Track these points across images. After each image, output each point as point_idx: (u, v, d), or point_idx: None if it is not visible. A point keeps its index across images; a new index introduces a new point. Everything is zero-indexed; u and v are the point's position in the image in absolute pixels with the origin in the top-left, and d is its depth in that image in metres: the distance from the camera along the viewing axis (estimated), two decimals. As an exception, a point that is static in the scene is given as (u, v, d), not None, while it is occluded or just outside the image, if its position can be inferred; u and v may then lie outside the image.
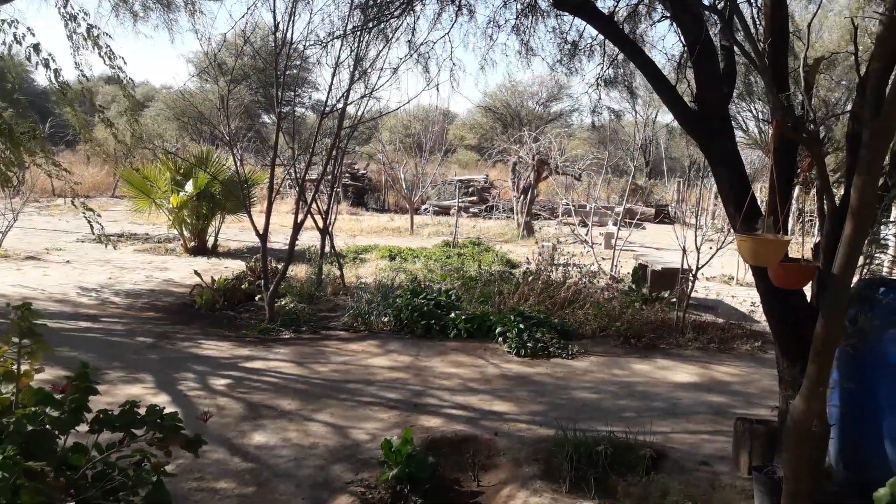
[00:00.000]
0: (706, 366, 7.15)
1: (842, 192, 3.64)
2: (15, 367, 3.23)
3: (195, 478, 4.13)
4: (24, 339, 3.30)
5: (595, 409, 5.65)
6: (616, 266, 11.44)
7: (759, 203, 4.21)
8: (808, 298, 3.96)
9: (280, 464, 4.39)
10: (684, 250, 8.96)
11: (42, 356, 3.42)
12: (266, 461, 4.42)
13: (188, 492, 3.98)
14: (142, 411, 3.31)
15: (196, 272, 8.87)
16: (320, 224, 9.88)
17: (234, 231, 14.41)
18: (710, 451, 4.83)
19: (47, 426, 2.90)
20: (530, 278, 9.48)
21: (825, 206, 3.55)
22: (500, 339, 7.58)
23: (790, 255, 3.79)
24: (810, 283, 3.65)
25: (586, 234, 12.88)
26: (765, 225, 3.47)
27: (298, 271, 10.33)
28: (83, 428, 3.26)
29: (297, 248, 8.70)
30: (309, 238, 12.22)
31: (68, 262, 11.08)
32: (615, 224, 16.02)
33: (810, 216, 15.81)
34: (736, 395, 6.16)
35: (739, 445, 4.42)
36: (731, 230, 5.62)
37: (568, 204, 17.22)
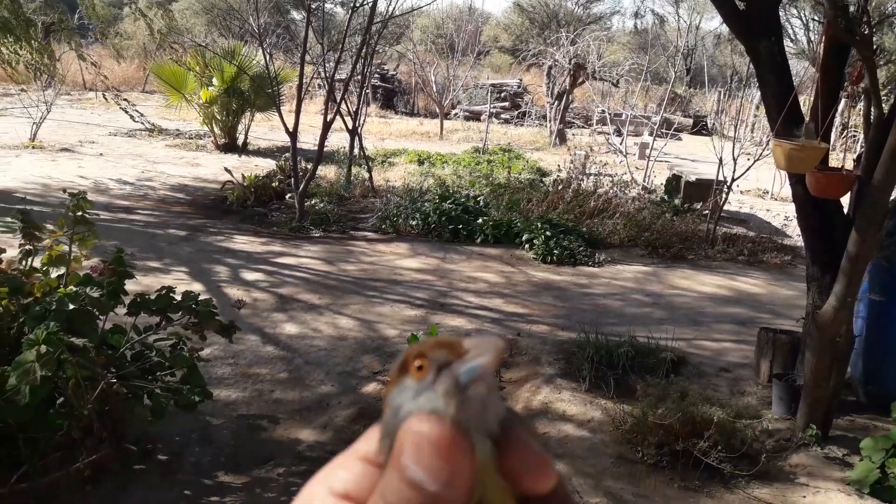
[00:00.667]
0: (734, 278, 7.13)
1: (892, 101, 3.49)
2: (67, 250, 3.35)
3: (229, 363, 4.31)
4: (77, 226, 3.40)
5: (618, 315, 5.71)
6: (649, 177, 11.24)
7: (802, 112, 4.06)
8: (845, 210, 3.87)
9: (311, 353, 4.56)
10: (720, 161, 8.75)
11: (92, 243, 3.53)
12: (297, 350, 4.58)
13: (222, 376, 4.16)
14: (177, 298, 3.44)
15: (227, 169, 8.93)
16: (349, 125, 9.79)
17: (263, 130, 14.36)
18: (732, 359, 4.88)
19: (88, 307, 3.01)
20: (560, 187, 9.38)
21: (872, 114, 3.40)
22: (527, 245, 7.60)
23: (830, 165, 3.68)
24: (848, 194, 3.56)
25: (620, 144, 12.60)
26: (805, 131, 3.35)
27: (328, 172, 10.34)
28: (121, 312, 3.40)
29: (325, 149, 8.67)
30: (338, 139, 12.15)
31: (101, 154, 11.21)
32: (651, 134, 15.61)
33: (854, 131, 15.24)
34: (762, 308, 6.17)
35: (761, 354, 4.46)
36: (770, 141, 5.45)
37: (603, 112, 16.77)
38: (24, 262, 3.35)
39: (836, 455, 3.62)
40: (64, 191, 3.46)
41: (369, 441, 0.33)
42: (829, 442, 3.71)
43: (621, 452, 3.58)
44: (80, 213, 3.42)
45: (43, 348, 2.48)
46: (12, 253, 3.45)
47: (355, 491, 0.32)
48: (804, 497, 3.30)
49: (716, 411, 3.46)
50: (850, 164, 4.08)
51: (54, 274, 3.29)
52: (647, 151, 12.29)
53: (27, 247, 3.40)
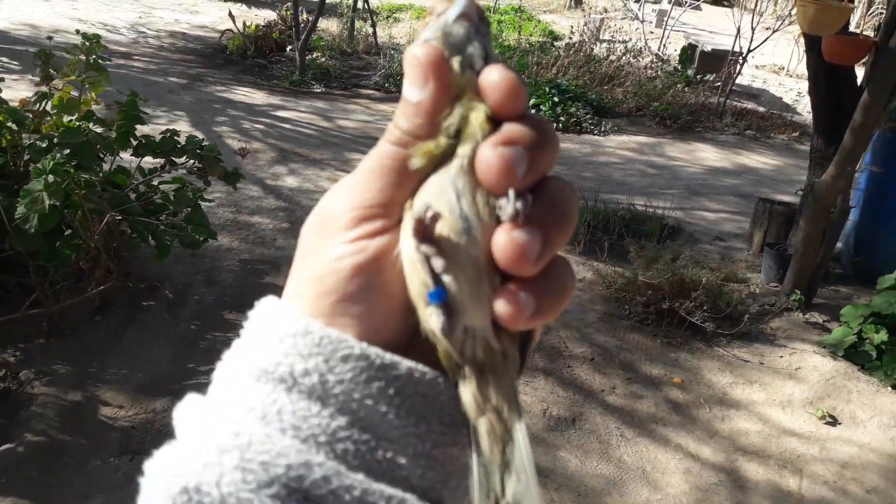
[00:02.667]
0: (739, 152, 7.07)
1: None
2: (77, 94, 3.30)
3: (232, 211, 4.37)
4: (89, 70, 3.33)
5: (619, 183, 5.72)
6: (664, 45, 10.84)
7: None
8: (859, 82, 3.78)
9: (312, 206, 4.54)
10: (738, 30, 8.40)
11: (103, 88, 3.47)
12: (299, 202, 4.63)
13: (225, 222, 4.23)
14: (181, 142, 3.43)
15: (230, 14, 8.58)
16: (355, -26, 9.30)
17: (264, -22, 13.68)
18: (727, 229, 4.95)
19: (91, 141, 3.01)
20: (572, 51, 9.06)
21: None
22: (534, 110, 7.46)
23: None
24: (864, 61, 3.46)
25: (639, 10, 12.03)
26: (833, -10, 3.21)
27: (330, 25, 9.95)
28: (126, 156, 3.40)
29: (328, 0, 8.29)
30: (343, -9, 11.57)
31: (96, -3, 10.73)
32: (670, 2, 14.87)
33: (881, 10, 14.51)
34: (763, 182, 6.17)
35: (756, 224, 4.51)
36: (790, 16, 5.21)
37: (622, -26, 15.86)
38: (38, 105, 3.31)
39: (816, 321, 3.76)
40: (77, 32, 3.36)
41: None
42: (812, 309, 3.85)
43: (609, 310, 3.72)
44: (93, 58, 3.34)
45: (50, 178, 2.51)
46: (9, 94, 3.40)
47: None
48: (781, 357, 3.47)
49: (705, 274, 3.56)
50: (870, 34, 3.93)
51: (66, 119, 3.26)
52: (665, 19, 11.77)
53: (43, 89, 3.35)
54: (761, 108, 8.69)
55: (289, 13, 8.56)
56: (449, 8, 0.35)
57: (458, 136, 0.34)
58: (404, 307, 0.35)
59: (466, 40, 0.35)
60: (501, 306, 0.33)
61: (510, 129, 0.33)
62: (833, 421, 3.08)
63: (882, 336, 3.33)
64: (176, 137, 3.39)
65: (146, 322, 3.23)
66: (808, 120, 7.66)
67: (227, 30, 8.45)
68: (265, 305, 0.37)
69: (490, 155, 0.32)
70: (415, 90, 0.34)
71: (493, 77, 0.33)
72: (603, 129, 7.26)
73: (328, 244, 0.35)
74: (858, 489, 2.72)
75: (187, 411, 0.35)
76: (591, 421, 2.91)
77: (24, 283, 3.00)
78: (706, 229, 4.88)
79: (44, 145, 2.93)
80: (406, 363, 0.34)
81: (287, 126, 6.19)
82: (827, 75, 3.73)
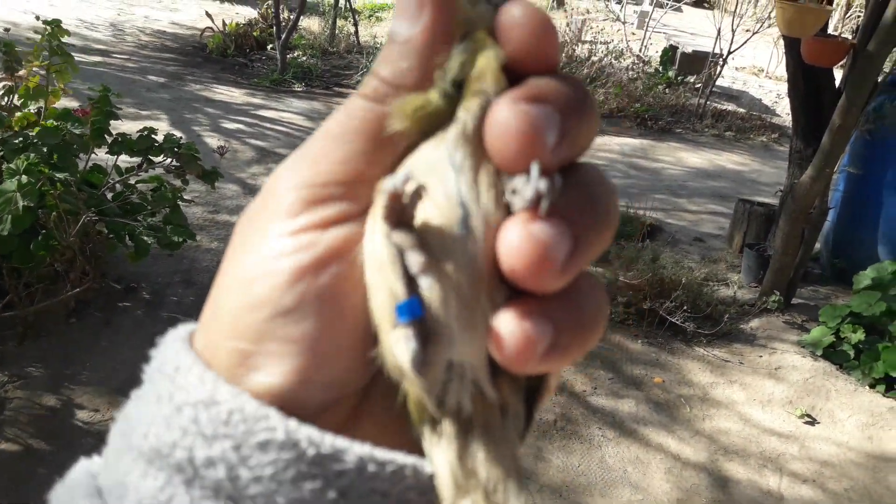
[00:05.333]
0: (719, 153, 7.13)
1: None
2: (44, 83, 3.23)
3: (210, 210, 4.32)
4: (53, 56, 3.26)
5: (601, 183, 5.74)
6: (645, 46, 10.91)
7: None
8: (837, 84, 3.82)
9: (292, 205, 4.56)
10: (719, 32, 8.48)
11: (71, 76, 3.40)
12: (278, 202, 4.59)
13: (203, 222, 4.18)
14: (158, 140, 3.38)
15: (208, 13, 8.50)
16: (337, -27, 9.25)
17: (245, -24, 13.59)
18: (707, 230, 4.99)
19: (69, 142, 2.96)
20: (553, 51, 9.08)
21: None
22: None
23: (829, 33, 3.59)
24: (840, 64, 3.50)
25: (620, 11, 12.10)
26: (812, -7, 3.24)
27: (311, 24, 9.90)
28: (102, 155, 3.34)
29: (311, -3, 8.25)
30: (324, -11, 11.52)
31: (73, -6, 10.59)
32: (651, 3, 14.98)
33: (859, 13, 14.72)
34: (744, 183, 6.22)
35: (736, 225, 4.55)
36: (770, 19, 5.26)
37: (603, -24, 15.94)
38: (6, 99, 3.24)
39: (795, 321, 3.80)
40: (37, 17, 3.29)
41: None
42: (791, 309, 3.88)
43: (592, 310, 3.72)
44: (55, 43, 3.28)
45: (24, 178, 2.46)
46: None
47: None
48: (760, 356, 3.50)
49: (685, 274, 3.57)
50: (848, 36, 3.98)
51: (33, 108, 3.19)
52: (647, 21, 11.85)
53: (8, 83, 3.28)
54: (741, 110, 8.77)
55: (270, 11, 8.49)
56: None
57: (459, 89, 0.24)
58: (367, 330, 0.25)
59: None
60: (506, 336, 0.23)
61: (538, 82, 0.23)
62: (812, 420, 3.11)
63: (859, 335, 3.37)
64: (153, 136, 3.34)
65: (123, 323, 3.18)
66: (787, 122, 7.75)
67: (207, 28, 8.37)
68: (170, 343, 0.27)
69: (508, 115, 0.22)
70: (404, 23, 0.24)
71: (516, 13, 0.23)
72: (585, 129, 7.28)
73: (264, 236, 0.25)
74: (837, 487, 2.75)
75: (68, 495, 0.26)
76: (573, 421, 2.91)
77: (-4, 285, 2.94)
78: (686, 230, 4.92)
79: (18, 143, 2.88)
80: (355, 451, 0.23)
81: (266, 125, 6.14)
82: (806, 77, 3.76)
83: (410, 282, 0.23)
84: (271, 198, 0.25)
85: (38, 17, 3.19)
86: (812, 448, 2.94)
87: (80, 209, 2.77)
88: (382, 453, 0.24)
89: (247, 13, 10.45)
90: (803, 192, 3.20)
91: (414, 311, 0.23)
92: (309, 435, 0.23)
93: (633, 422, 2.96)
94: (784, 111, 8.67)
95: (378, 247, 0.23)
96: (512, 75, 0.24)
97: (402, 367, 0.23)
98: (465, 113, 0.24)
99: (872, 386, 3.30)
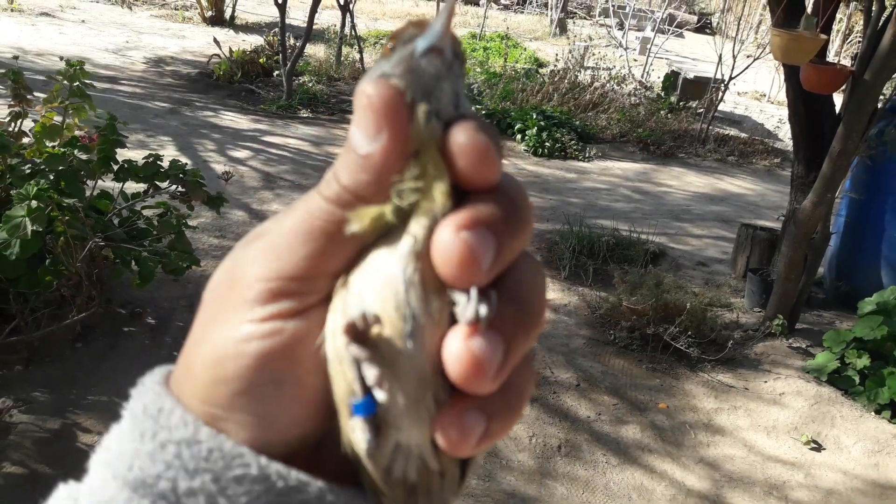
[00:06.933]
0: (721, 177, 7.16)
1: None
2: (60, 120, 3.29)
3: (216, 235, 4.35)
4: (73, 97, 3.32)
5: (603, 209, 5.76)
6: (647, 72, 11.02)
7: (804, 3, 3.95)
8: (837, 109, 3.86)
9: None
10: (720, 58, 8.56)
11: (87, 114, 3.46)
12: (283, 227, 4.62)
13: (209, 247, 4.21)
14: (164, 166, 3.42)
15: (215, 40, 8.62)
16: (341, 1, 9.39)
17: (251, 4, 13.79)
18: (711, 254, 5.00)
19: (76, 168, 3.00)
20: (556, 78, 9.18)
21: (873, 8, 3.32)
22: (519, 136, 7.53)
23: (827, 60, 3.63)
24: (840, 91, 3.53)
25: (622, 38, 12.24)
26: (805, 22, 3.28)
27: (317, 51, 10.03)
28: (108, 180, 3.38)
29: (315, 26, 8.37)
30: (328, 17, 11.70)
31: (83, 21, 10.76)
32: (653, 29, 15.14)
33: (859, 35, 14.84)
34: (746, 208, 6.24)
35: (739, 249, 4.56)
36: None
37: (607, 2, 16.15)
38: (13, 125, 3.30)
39: (800, 346, 3.79)
40: (61, 58, 3.35)
41: None
42: (795, 334, 3.88)
43: (594, 335, 3.72)
44: (76, 84, 3.34)
45: (34, 203, 2.49)
46: (-1, 113, 3.39)
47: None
48: (765, 382, 3.49)
49: (689, 298, 3.58)
50: (847, 64, 4.02)
51: (49, 144, 3.24)
52: (648, 47, 11.97)
53: (16, 109, 3.33)
54: (743, 135, 8.82)
55: (276, 39, 8.62)
56: (418, 36, 0.28)
57: (411, 203, 0.27)
58: (322, 404, 0.29)
59: (435, 81, 0.28)
60: (445, 432, 0.27)
61: (477, 208, 0.27)
62: (818, 446, 3.09)
63: (864, 361, 3.36)
64: (159, 162, 3.38)
65: (128, 348, 3.19)
66: (789, 146, 7.78)
67: (215, 55, 8.49)
68: (151, 386, 0.30)
69: (450, 241, 0.26)
70: (364, 138, 0.27)
71: (461, 139, 0.27)
72: (587, 154, 7.33)
73: (232, 318, 0.29)
74: (843, 515, 2.72)
75: None
76: (578, 448, 2.90)
77: (2, 310, 2.96)
78: (690, 255, 4.92)
79: (27, 170, 2.92)
80: (316, 485, 0.28)
81: (273, 151, 6.20)
82: (806, 103, 3.80)
83: (365, 386, 0.27)
84: (240, 284, 0.29)
85: (61, 58, 3.27)
86: (817, 475, 2.92)
87: (87, 235, 2.80)
88: (339, 488, 0.29)
89: (253, 41, 10.60)
90: (805, 217, 3.22)
91: (369, 409, 0.27)
92: (278, 470, 0.28)
93: (637, 448, 2.95)
94: (786, 136, 8.72)
95: (338, 350, 0.27)
96: (458, 188, 0.27)
97: (357, 451, 0.28)
98: (416, 229, 0.27)
99: (878, 412, 3.28)
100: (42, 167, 2.87)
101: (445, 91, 0.28)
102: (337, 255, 0.28)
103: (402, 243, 0.27)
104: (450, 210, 0.27)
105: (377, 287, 0.27)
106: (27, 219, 2.46)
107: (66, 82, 3.30)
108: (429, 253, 0.27)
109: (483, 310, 0.26)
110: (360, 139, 0.27)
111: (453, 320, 0.27)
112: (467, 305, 0.26)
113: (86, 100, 3.37)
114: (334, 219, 0.28)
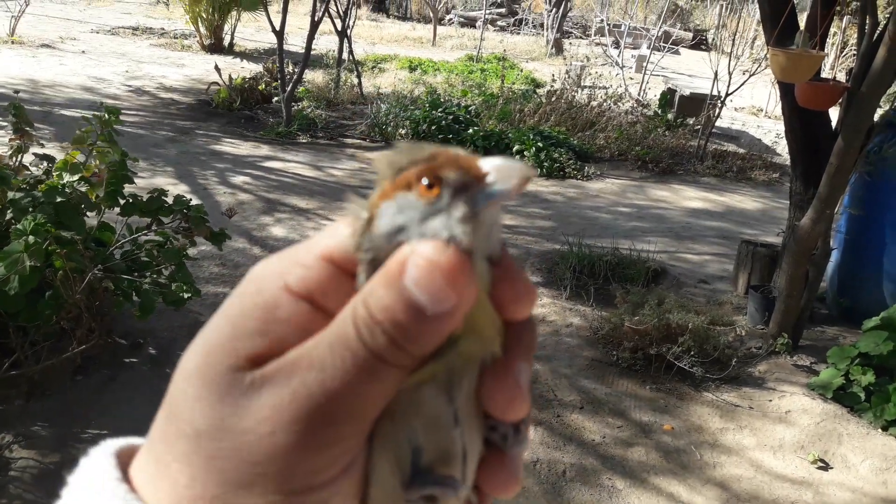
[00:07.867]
0: (721, 193, 7.17)
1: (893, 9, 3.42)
2: (83, 159, 3.30)
3: (217, 263, 4.35)
4: (101, 140, 3.34)
5: (603, 227, 5.76)
6: (644, 90, 11.08)
7: (798, 21, 3.98)
8: (834, 125, 3.87)
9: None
10: (716, 75, 8.61)
11: (109, 158, 3.48)
12: (283, 253, 4.62)
13: (210, 276, 4.21)
14: (168, 201, 3.43)
15: (216, 67, 8.69)
16: (338, 27, 9.48)
17: (250, 31, 13.92)
18: (712, 271, 4.98)
19: (75, 201, 3.01)
20: (553, 98, 9.23)
21: (867, 23, 3.34)
22: (517, 157, 7.56)
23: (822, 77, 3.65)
24: (836, 106, 3.55)
25: (618, 56, 12.33)
26: (802, 39, 3.30)
27: (315, 77, 10.11)
28: (112, 215, 3.39)
29: (313, 52, 8.44)
30: (326, 42, 11.80)
31: (83, 52, 10.86)
32: (649, 47, 15.25)
33: (854, 49, 14.93)
34: (746, 224, 6.24)
35: (740, 266, 4.55)
36: (766, 60, 5.36)
37: (602, 21, 16.30)
38: (14, 159, 3.31)
39: (804, 363, 3.76)
40: (101, 104, 3.40)
41: (334, 238, 0.29)
42: (799, 351, 3.85)
43: (597, 356, 3.70)
44: (107, 130, 3.36)
45: (31, 238, 2.49)
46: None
47: (317, 292, 0.28)
48: (770, 400, 3.46)
49: (691, 318, 3.56)
50: (842, 78, 4.04)
51: (66, 179, 3.25)
52: (644, 64, 12.05)
53: (17, 142, 3.35)
54: (741, 150, 8.84)
55: (275, 65, 8.69)
56: (476, 189, 0.27)
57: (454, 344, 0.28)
58: None
59: (490, 234, 0.28)
60: None
61: (525, 351, 0.30)
62: (825, 465, 3.05)
63: (869, 377, 3.33)
64: (164, 197, 3.39)
65: (129, 380, 3.18)
66: (787, 160, 7.81)
67: (214, 82, 8.56)
68: (93, 476, 0.30)
69: (507, 386, 0.29)
70: (428, 297, 0.26)
71: (520, 290, 0.29)
72: (586, 173, 7.35)
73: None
74: (854, 536, 2.68)
75: None
76: (583, 471, 2.87)
77: (2, 344, 2.95)
78: (691, 272, 4.91)
79: (26, 203, 2.92)
80: None
81: (273, 176, 6.22)
82: (802, 120, 3.81)
83: None
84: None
85: (101, 104, 3.34)
86: (826, 494, 2.88)
87: (87, 267, 2.80)
88: None
89: (252, 68, 10.69)
90: (805, 234, 3.21)
91: None
92: None
93: (643, 471, 2.92)
94: (784, 150, 8.74)
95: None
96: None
97: None
98: (467, 371, 0.29)
99: (885, 428, 3.25)
100: (41, 200, 2.88)
101: (495, 235, 0.29)
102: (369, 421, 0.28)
103: (451, 383, 0.29)
104: (497, 355, 0.29)
105: (427, 431, 0.29)
106: (25, 254, 2.46)
107: (99, 126, 3.31)
108: (480, 392, 0.29)
109: (525, 445, 0.31)
110: (431, 303, 0.26)
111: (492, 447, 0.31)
112: (513, 440, 0.31)
113: (112, 147, 3.38)
114: (392, 379, 0.28)
